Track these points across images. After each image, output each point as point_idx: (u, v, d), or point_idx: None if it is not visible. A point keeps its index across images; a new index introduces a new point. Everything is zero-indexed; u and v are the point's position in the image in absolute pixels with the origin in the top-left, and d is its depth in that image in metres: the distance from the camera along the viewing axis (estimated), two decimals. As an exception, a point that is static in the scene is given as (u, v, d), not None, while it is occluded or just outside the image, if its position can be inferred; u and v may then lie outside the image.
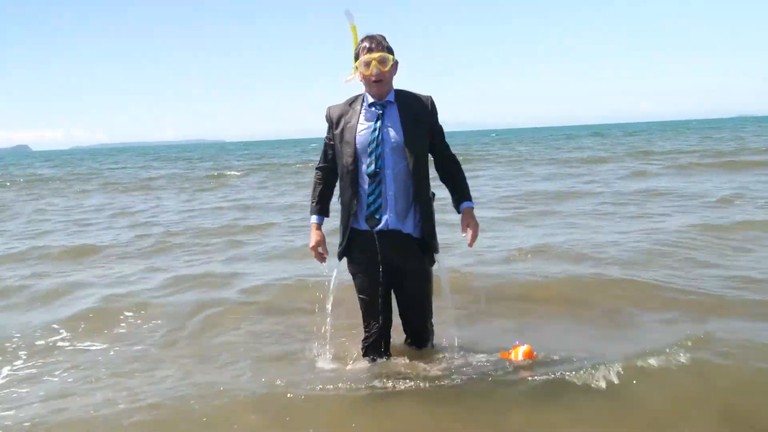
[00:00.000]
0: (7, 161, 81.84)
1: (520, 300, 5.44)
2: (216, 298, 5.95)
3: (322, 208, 3.71)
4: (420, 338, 3.83)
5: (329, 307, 3.90)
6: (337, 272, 3.78)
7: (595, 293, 5.48)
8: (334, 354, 4.12)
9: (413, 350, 3.88)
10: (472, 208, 3.60)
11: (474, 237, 3.55)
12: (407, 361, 3.80)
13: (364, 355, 3.79)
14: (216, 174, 27.13)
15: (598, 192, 13.01)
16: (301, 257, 7.38)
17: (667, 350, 3.81)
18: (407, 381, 3.58)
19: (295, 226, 10.23)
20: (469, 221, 3.55)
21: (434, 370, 3.74)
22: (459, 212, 3.63)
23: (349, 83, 3.57)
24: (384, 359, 3.77)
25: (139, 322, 5.35)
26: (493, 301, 5.37)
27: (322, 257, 3.68)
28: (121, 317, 5.46)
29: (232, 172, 27.79)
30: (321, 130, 3.72)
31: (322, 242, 3.66)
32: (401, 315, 3.75)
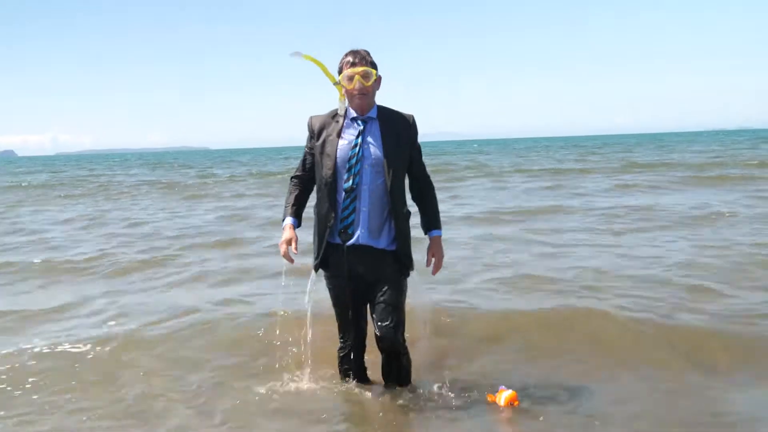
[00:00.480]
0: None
1: (502, 333, 4.92)
2: (173, 327, 5.37)
3: (297, 212, 3.63)
4: (394, 354, 3.64)
5: (309, 333, 3.85)
6: (312, 285, 3.69)
7: (586, 328, 4.91)
8: (307, 380, 4.01)
9: (390, 382, 3.74)
10: (440, 236, 3.64)
11: (438, 267, 3.61)
12: (383, 399, 3.66)
13: (340, 363, 3.80)
14: (194, 183, 26.32)
15: (582, 208, 12.48)
16: (270, 278, 7.01)
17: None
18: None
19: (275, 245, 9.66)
20: (436, 251, 3.60)
21: (408, 406, 3.57)
22: (425, 234, 3.66)
23: (344, 103, 3.50)
24: (353, 379, 3.77)
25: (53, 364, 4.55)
26: (473, 335, 4.92)
27: (290, 258, 3.53)
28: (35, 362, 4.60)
29: (215, 180, 27.35)
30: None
31: (294, 240, 3.52)
32: (375, 327, 3.56)
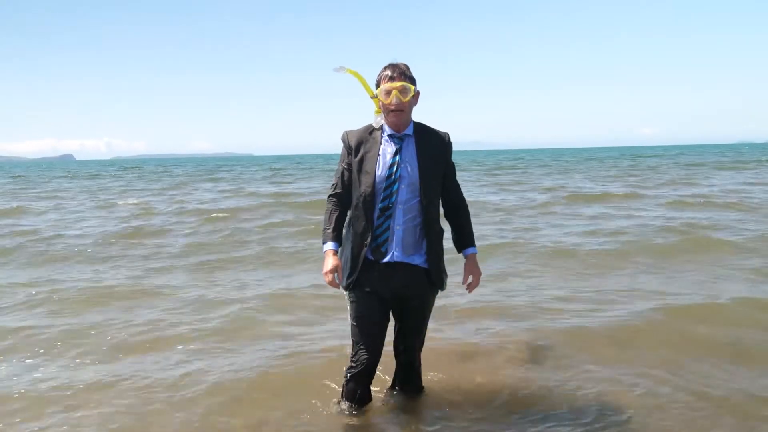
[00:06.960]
0: (56, 168, 75.41)
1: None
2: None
3: (338, 235, 3.30)
4: (411, 369, 3.59)
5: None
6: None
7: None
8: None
9: (403, 385, 3.64)
10: (476, 254, 3.42)
11: (475, 285, 3.41)
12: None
13: (348, 382, 3.42)
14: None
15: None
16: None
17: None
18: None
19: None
20: (473, 270, 3.38)
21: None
22: (459, 252, 3.44)
23: (381, 118, 3.27)
24: (356, 403, 3.43)
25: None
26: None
27: (337, 285, 3.25)
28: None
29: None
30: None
31: (340, 267, 3.24)
32: (398, 342, 3.49)
